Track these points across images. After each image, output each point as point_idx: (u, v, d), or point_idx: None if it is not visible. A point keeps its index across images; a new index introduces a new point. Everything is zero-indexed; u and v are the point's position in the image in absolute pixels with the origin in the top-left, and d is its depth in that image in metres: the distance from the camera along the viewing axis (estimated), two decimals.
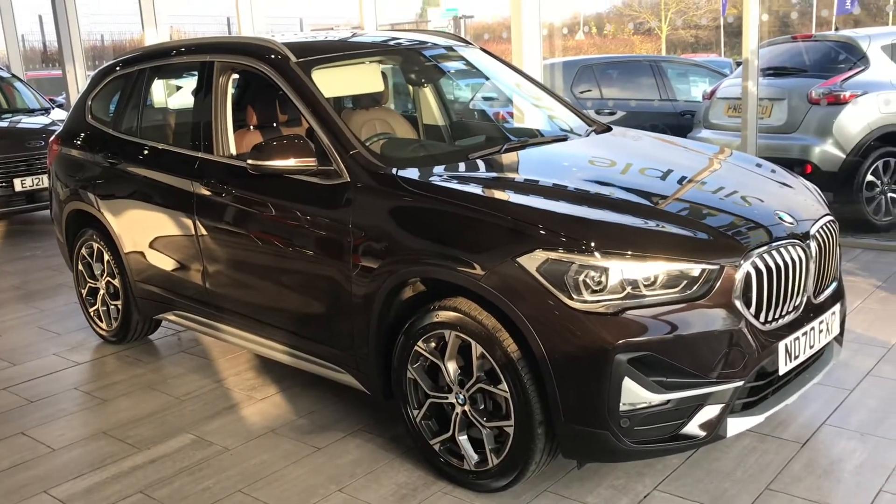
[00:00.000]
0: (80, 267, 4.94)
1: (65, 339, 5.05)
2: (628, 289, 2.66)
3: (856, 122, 6.49)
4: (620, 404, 2.65)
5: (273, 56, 3.75)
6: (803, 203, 3.26)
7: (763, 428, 3.38)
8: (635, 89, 8.83)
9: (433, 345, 3.04)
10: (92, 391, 4.23)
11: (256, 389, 4.11)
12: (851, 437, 3.31)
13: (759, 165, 3.74)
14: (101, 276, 4.79)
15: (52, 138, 5.15)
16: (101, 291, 4.82)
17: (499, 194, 3.03)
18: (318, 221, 3.38)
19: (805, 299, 2.97)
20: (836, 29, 7.63)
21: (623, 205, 2.97)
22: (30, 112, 9.50)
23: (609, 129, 4.20)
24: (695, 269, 2.69)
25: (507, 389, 2.81)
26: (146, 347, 4.85)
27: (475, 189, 3.08)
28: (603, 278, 2.65)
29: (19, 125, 8.82)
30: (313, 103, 3.52)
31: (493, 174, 3.41)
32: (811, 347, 3.02)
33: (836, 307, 3.18)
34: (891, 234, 6.56)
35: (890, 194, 6.64)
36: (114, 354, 4.75)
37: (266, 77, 3.77)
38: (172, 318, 4.42)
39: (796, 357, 2.93)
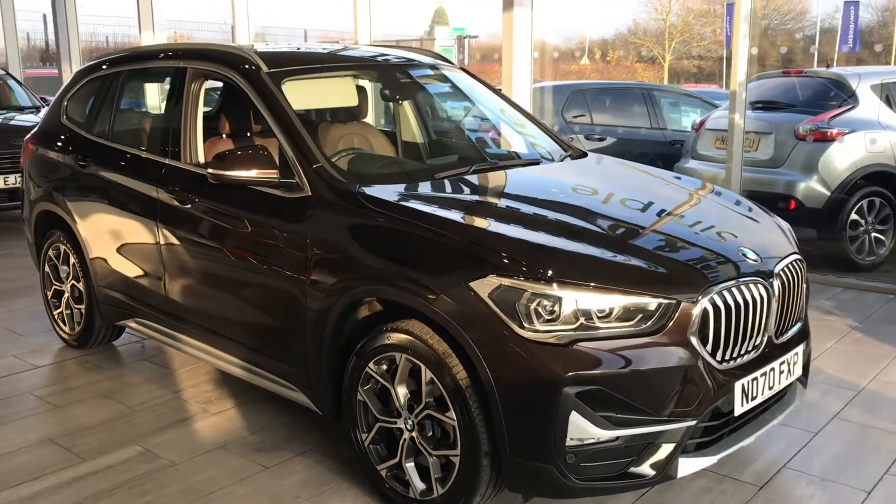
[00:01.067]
0: (47, 268, 4.87)
1: (27, 341, 4.97)
2: (581, 320, 2.59)
3: (842, 159, 6.45)
4: (567, 439, 2.57)
5: (244, 65, 3.70)
6: (771, 240, 3.21)
7: (721, 468, 3.30)
8: (626, 116, 8.79)
9: (384, 367, 2.97)
10: (46, 396, 4.15)
11: (212, 403, 4.02)
12: (811, 481, 3.23)
13: (727, 198, 3.67)
14: (67, 278, 4.71)
15: (27, 137, 5.09)
16: (66, 294, 4.75)
17: (457, 216, 2.96)
18: (277, 234, 3.31)
19: (766, 339, 2.90)
20: (828, 66, 7.60)
21: (582, 233, 2.91)
22: (20, 109, 9.46)
23: (585, 156, 4.15)
24: (650, 302, 2.63)
25: (455, 417, 2.74)
26: (108, 354, 4.77)
27: (434, 209, 3.02)
28: (556, 308, 2.58)
29: (5, 122, 8.77)
30: (280, 114, 3.46)
31: (456, 195, 3.35)
32: (770, 388, 2.94)
33: (800, 348, 3.12)
34: (873, 273, 6.50)
35: (874, 234, 6.59)
36: (74, 359, 4.67)
37: (237, 86, 3.71)
38: (134, 325, 4.34)
39: (754, 398, 2.86)
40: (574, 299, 2.59)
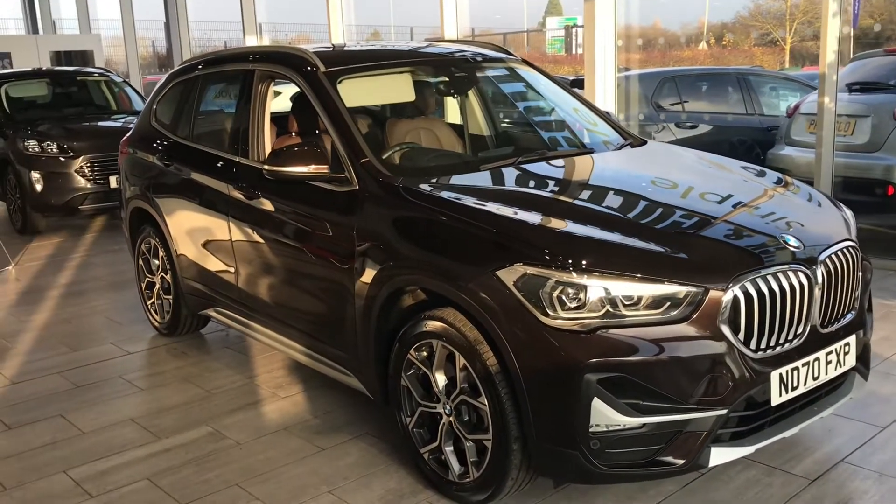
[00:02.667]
0: (140, 262, 5.22)
1: (125, 329, 5.35)
2: (608, 307, 2.60)
3: None
4: (591, 425, 2.59)
5: (303, 65, 3.87)
6: (822, 227, 3.10)
7: (773, 460, 3.23)
8: (720, 103, 8.54)
9: (424, 354, 3.06)
10: (133, 380, 4.47)
11: (282, 387, 4.23)
12: (868, 476, 3.11)
13: (782, 184, 3.56)
14: (157, 271, 5.04)
15: (122, 140, 5.47)
16: (157, 286, 5.08)
17: (490, 206, 3.02)
18: (329, 227, 3.46)
19: (808, 328, 2.82)
20: None
21: (614, 220, 2.91)
22: (136, 114, 10.07)
23: (644, 144, 4.11)
24: (678, 290, 2.61)
25: (486, 403, 2.81)
26: (195, 341, 5.08)
27: (468, 200, 3.09)
28: (581, 295, 2.61)
29: (120, 126, 9.37)
30: (332, 111, 3.61)
31: (496, 186, 3.40)
32: (815, 379, 2.86)
33: (852, 338, 3.00)
34: None
35: None
36: (164, 346, 5.00)
37: (298, 85, 3.89)
38: (213, 314, 4.61)
39: (794, 388, 2.79)
40: (600, 287, 2.60)
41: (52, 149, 8.48)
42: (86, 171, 8.44)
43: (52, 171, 8.42)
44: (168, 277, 4.93)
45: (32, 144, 8.49)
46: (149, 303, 5.21)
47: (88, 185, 8.45)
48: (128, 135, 5.43)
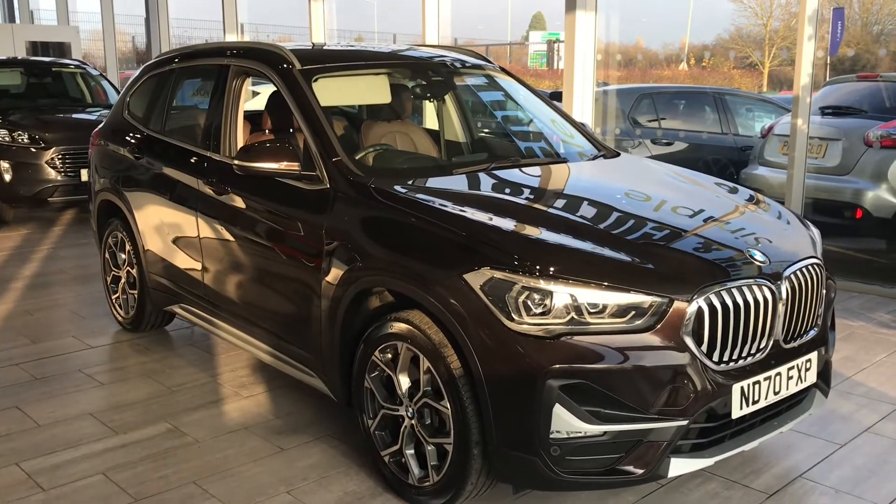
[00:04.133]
0: (107, 255, 5.15)
1: (88, 324, 5.26)
2: (573, 314, 2.60)
3: None
4: (551, 431, 2.59)
5: (279, 62, 3.84)
6: (788, 243, 3.12)
7: (733, 474, 3.24)
8: (695, 121, 8.63)
9: (389, 356, 3.04)
10: (94, 374, 4.40)
11: (245, 387, 4.18)
12: (824, 492, 3.13)
13: (747, 198, 3.59)
14: (123, 265, 4.98)
15: (94, 131, 5.40)
16: (122, 280, 5.01)
17: (459, 210, 3.01)
18: (297, 225, 3.44)
19: (771, 342, 2.83)
20: None
21: (582, 228, 2.92)
22: (110, 108, 9.96)
23: (618, 156, 4.13)
24: (643, 300, 2.61)
25: (449, 406, 2.79)
26: (160, 337, 5.01)
27: (439, 203, 3.08)
28: (547, 301, 2.60)
29: (94, 119, 9.27)
30: (306, 109, 3.59)
31: (467, 191, 3.40)
32: (776, 394, 2.87)
33: (813, 355, 3.02)
34: None
35: None
36: (127, 341, 4.93)
37: (273, 82, 3.86)
38: (179, 311, 4.56)
39: (755, 402, 2.80)
40: (566, 294, 2.60)
41: (23, 139, 8.37)
42: (57, 162, 8.34)
43: (22, 161, 8.30)
44: (134, 272, 4.87)
45: (3, 133, 8.37)
46: (113, 297, 5.14)
47: (59, 177, 8.35)
48: (99, 127, 5.37)
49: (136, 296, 4.89)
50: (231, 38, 11.33)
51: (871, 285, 5.92)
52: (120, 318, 5.10)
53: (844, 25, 8.72)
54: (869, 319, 5.25)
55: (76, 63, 10.81)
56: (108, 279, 5.17)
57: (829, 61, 8.25)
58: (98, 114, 9.51)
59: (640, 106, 8.53)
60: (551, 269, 2.63)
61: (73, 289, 6.15)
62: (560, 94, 8.05)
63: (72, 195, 8.51)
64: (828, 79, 7.81)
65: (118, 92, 10.46)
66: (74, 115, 9.38)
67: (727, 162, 8.43)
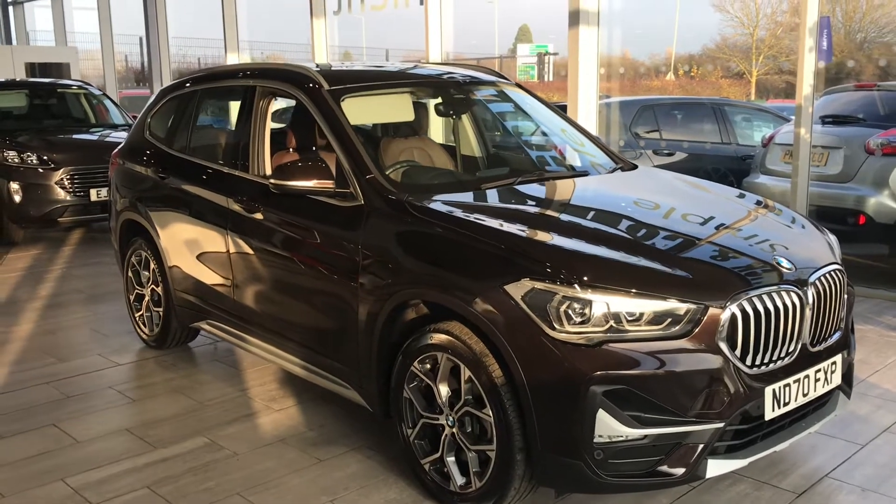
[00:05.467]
0: (130, 274, 5.23)
1: (111, 342, 5.34)
2: (611, 322, 2.71)
3: None
4: (595, 436, 2.68)
5: (307, 84, 3.95)
6: (809, 251, 3.24)
7: (762, 475, 3.35)
8: (696, 132, 8.77)
9: (428, 366, 3.14)
10: (125, 391, 4.47)
11: (276, 400, 4.27)
12: (851, 491, 3.24)
13: (767, 207, 3.72)
14: (147, 283, 5.06)
15: (114, 151, 5.49)
16: (146, 298, 5.09)
17: (496, 223, 3.11)
18: (332, 241, 3.53)
19: (799, 346, 2.95)
20: None
21: (616, 239, 3.03)
22: (115, 127, 10.06)
23: (635, 168, 4.25)
24: (679, 307, 2.72)
25: (491, 414, 2.88)
26: (184, 354, 5.09)
27: (475, 217, 3.18)
28: (587, 310, 2.71)
29: (100, 139, 9.36)
30: (337, 129, 3.69)
31: (499, 205, 3.51)
32: (805, 395, 2.98)
33: (838, 357, 3.14)
34: None
35: None
36: (153, 358, 5.00)
37: (301, 103, 3.97)
38: (206, 327, 4.64)
39: (786, 404, 2.91)
40: (604, 303, 2.71)
41: (32, 160, 8.44)
42: (66, 183, 8.41)
43: (32, 182, 8.37)
44: (159, 290, 4.95)
45: (12, 155, 8.44)
46: (137, 315, 5.22)
47: (68, 198, 8.41)
48: (120, 147, 5.45)
49: (161, 313, 4.97)
50: (232, 56, 11.44)
51: (877, 290, 6.06)
52: (144, 336, 5.18)
53: (831, 34, 8.91)
54: (878, 323, 5.37)
55: (79, 84, 10.89)
56: (132, 297, 5.24)
57: (820, 70, 8.42)
58: (101, 133, 9.61)
59: (641, 118, 8.67)
60: (590, 279, 2.73)
61: (90, 308, 6.21)
62: (559, 106, 8.18)
63: (81, 215, 8.58)
64: (820, 88, 7.96)
65: (121, 111, 10.56)
66: (81, 136, 9.46)
67: (727, 171, 8.58)
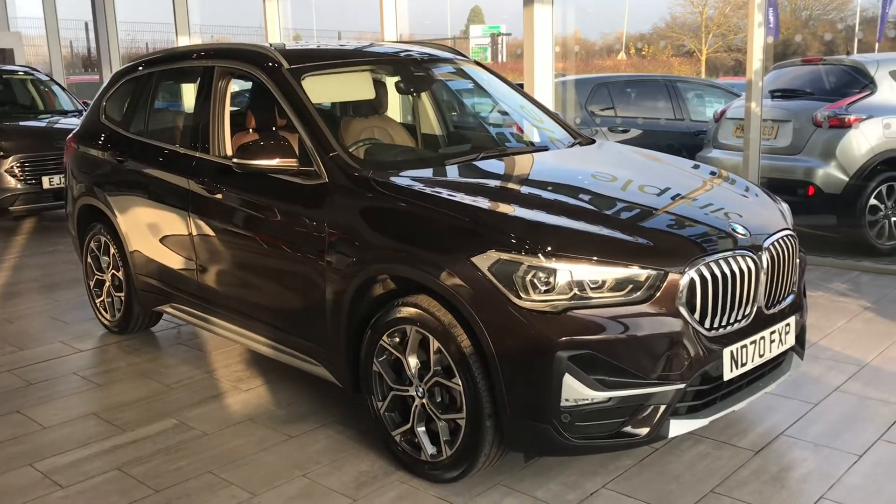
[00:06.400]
0: (89, 260, 5.17)
1: (72, 328, 5.29)
2: (575, 290, 2.78)
3: (860, 145, 6.52)
4: (562, 400, 2.76)
5: (267, 63, 3.94)
6: (762, 217, 3.35)
7: (720, 435, 3.47)
8: (649, 108, 8.91)
9: (397, 339, 3.18)
10: (89, 376, 4.45)
11: (242, 381, 4.28)
12: (805, 447, 3.38)
13: (720, 177, 3.83)
14: (108, 268, 5.01)
15: (69, 137, 5.41)
16: (107, 283, 5.05)
17: (461, 197, 3.17)
18: (297, 219, 3.55)
19: (755, 309, 3.06)
20: (847, 53, 7.65)
21: (577, 210, 3.10)
22: (64, 114, 9.87)
23: (593, 142, 4.33)
24: (640, 274, 2.81)
25: (460, 383, 2.95)
26: (147, 338, 5.06)
27: (440, 192, 3.23)
28: (551, 279, 2.78)
29: (50, 125, 9.18)
30: (299, 107, 3.70)
31: (462, 179, 3.56)
32: (761, 356, 3.10)
33: (792, 319, 3.26)
34: (894, 258, 6.56)
35: (894, 218, 6.65)
36: (115, 344, 4.97)
37: (261, 82, 3.97)
38: (169, 310, 4.62)
39: (743, 364, 3.02)
40: (568, 271, 2.78)
41: None
42: (16, 171, 8.25)
43: None
44: (120, 274, 4.91)
45: None
46: (98, 301, 5.17)
47: (19, 186, 8.26)
48: (75, 131, 5.38)
49: (122, 298, 4.93)
50: (183, 40, 11.28)
51: (826, 258, 6.26)
52: (106, 322, 5.13)
53: (778, 12, 9.08)
54: (827, 290, 5.56)
55: (25, 69, 10.64)
56: (92, 283, 5.19)
57: (769, 46, 8.60)
58: (50, 120, 9.42)
59: (596, 95, 8.77)
60: (553, 248, 2.80)
61: (48, 296, 6.13)
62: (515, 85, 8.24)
63: (33, 203, 8.42)
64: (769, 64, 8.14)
65: (70, 97, 10.35)
66: (30, 123, 9.26)
67: (681, 147, 8.73)
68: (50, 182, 8.37)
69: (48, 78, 10.63)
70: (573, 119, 8.43)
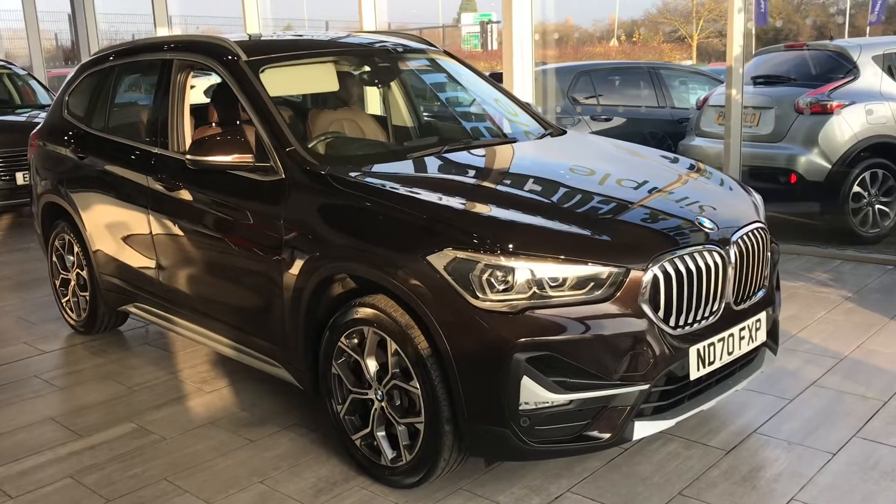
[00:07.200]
0: (54, 258, 5.06)
1: (38, 329, 5.17)
2: (534, 289, 2.68)
3: (842, 132, 6.42)
4: (520, 403, 2.67)
5: (225, 55, 3.82)
6: (733, 210, 3.25)
7: (692, 434, 3.38)
8: (633, 96, 8.80)
9: (355, 341, 3.08)
10: (51, 379, 4.34)
11: (207, 382, 4.18)
12: (778, 445, 3.29)
13: (693, 169, 3.72)
14: (72, 267, 4.90)
15: (32, 133, 5.28)
16: (72, 282, 4.93)
17: (418, 193, 3.05)
18: (254, 217, 3.44)
19: (723, 305, 2.96)
20: (830, 39, 7.54)
21: (537, 205, 3.00)
22: (42, 108, 9.71)
23: (564, 133, 4.22)
24: (601, 271, 2.71)
25: (418, 386, 2.85)
26: (114, 339, 4.95)
27: (398, 188, 3.12)
28: (509, 278, 2.67)
29: (27, 120, 9.03)
30: (256, 101, 3.58)
31: (423, 174, 3.45)
32: (729, 354, 3.00)
33: (762, 315, 3.16)
34: (877, 245, 6.47)
35: (877, 206, 6.56)
36: (81, 344, 4.86)
37: (219, 75, 3.85)
38: (134, 310, 4.51)
39: (711, 363, 2.92)
40: (527, 269, 2.68)
41: None
42: None
43: None
44: (84, 274, 4.79)
45: None
46: (63, 300, 5.06)
47: None
48: (38, 128, 5.25)
49: (87, 298, 4.82)
50: (162, 30, 11.12)
51: (808, 246, 6.17)
52: (72, 322, 5.02)
53: None
54: (808, 279, 5.47)
55: (1, 63, 10.48)
56: (57, 282, 5.08)
57: (755, 32, 8.49)
58: (28, 115, 9.27)
59: (579, 83, 8.66)
60: (512, 246, 2.70)
61: (17, 295, 6.02)
62: (498, 74, 8.13)
63: (8, 200, 8.29)
64: (755, 50, 8.03)
65: (48, 91, 10.19)
66: (5, 118, 9.10)
67: (664, 135, 8.63)
68: (24, 178, 8.23)
69: (25, 72, 10.46)
70: (554, 108, 8.32)
